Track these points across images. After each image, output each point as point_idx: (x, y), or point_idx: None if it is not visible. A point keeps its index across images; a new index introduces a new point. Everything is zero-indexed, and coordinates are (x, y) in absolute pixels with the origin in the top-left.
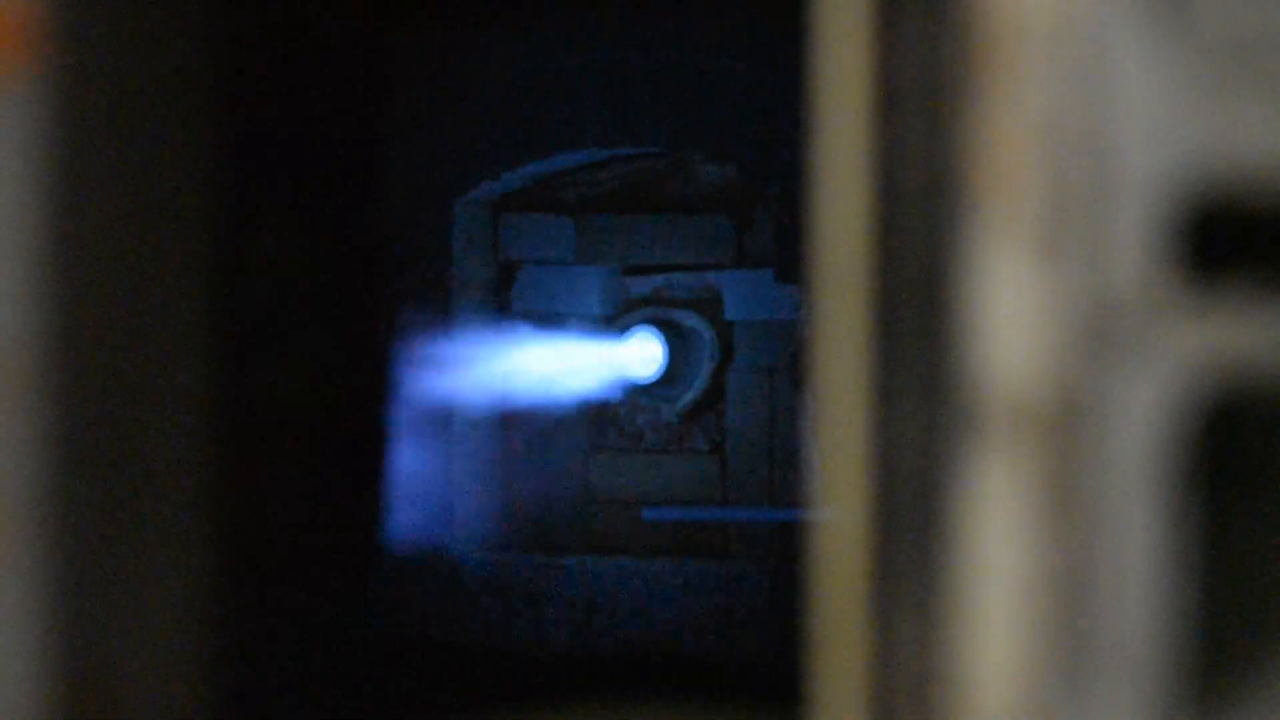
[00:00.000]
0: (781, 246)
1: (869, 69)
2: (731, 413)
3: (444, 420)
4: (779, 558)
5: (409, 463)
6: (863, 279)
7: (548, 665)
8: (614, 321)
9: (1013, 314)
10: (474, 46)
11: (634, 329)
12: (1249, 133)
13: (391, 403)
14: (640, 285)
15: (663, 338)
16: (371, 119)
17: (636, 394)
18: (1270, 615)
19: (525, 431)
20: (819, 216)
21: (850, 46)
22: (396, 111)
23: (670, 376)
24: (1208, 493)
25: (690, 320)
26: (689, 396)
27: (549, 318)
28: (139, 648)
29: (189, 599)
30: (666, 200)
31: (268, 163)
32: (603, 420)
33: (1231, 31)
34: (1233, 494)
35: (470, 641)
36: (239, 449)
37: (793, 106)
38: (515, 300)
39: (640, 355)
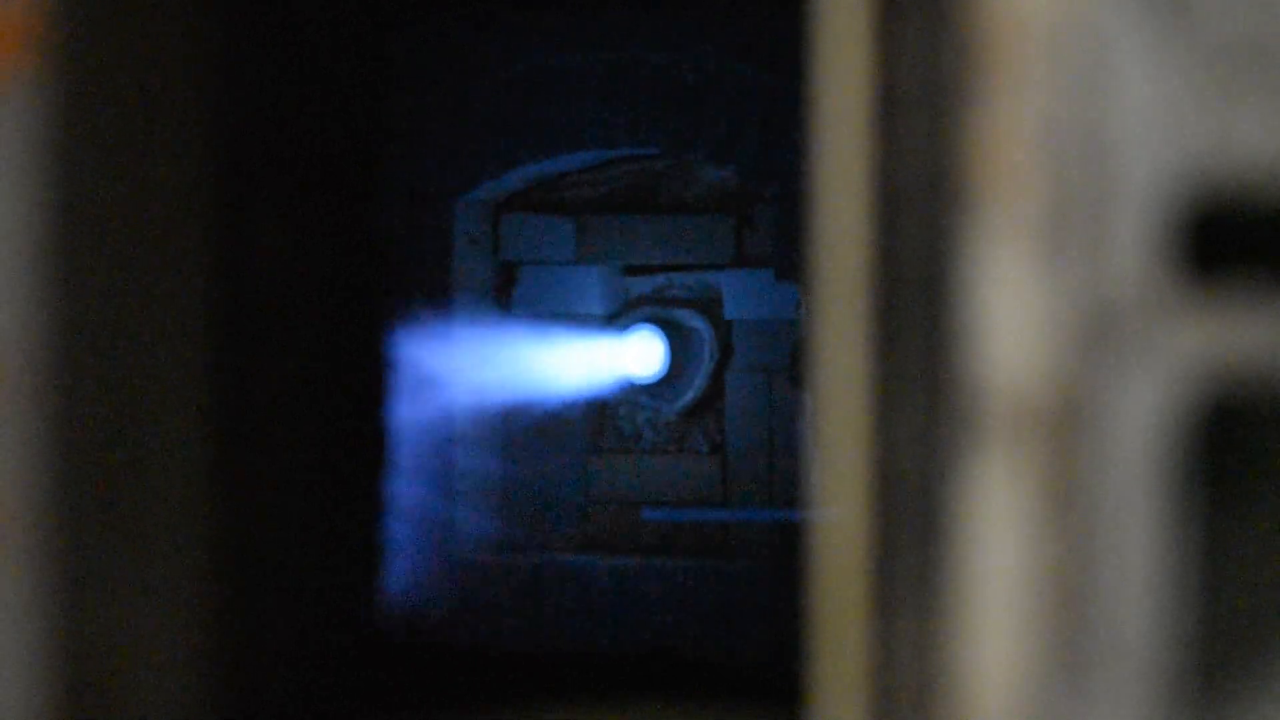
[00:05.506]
0: (781, 246)
1: (869, 69)
2: (731, 413)
3: (444, 420)
4: (779, 558)
5: (409, 463)
6: (863, 279)
7: (548, 665)
8: (614, 321)
9: (1013, 314)
10: (474, 46)
11: (634, 329)
12: (1249, 133)
13: (392, 403)
14: (640, 285)
15: (663, 337)
16: (372, 119)
17: (636, 394)
18: (1270, 614)
19: (525, 431)
20: (819, 216)
21: (850, 47)
22: (397, 111)
23: (670, 376)
24: (1208, 492)
25: (690, 320)
26: (689, 396)
27: (549, 318)
28: (139, 648)
29: (188, 599)
30: (666, 200)
31: (267, 162)
32: (603, 420)
33: (1232, 32)
34: (1233, 494)
35: (470, 642)
36: (238, 449)
37: (793, 106)
38: (516, 300)
39: (640, 355)
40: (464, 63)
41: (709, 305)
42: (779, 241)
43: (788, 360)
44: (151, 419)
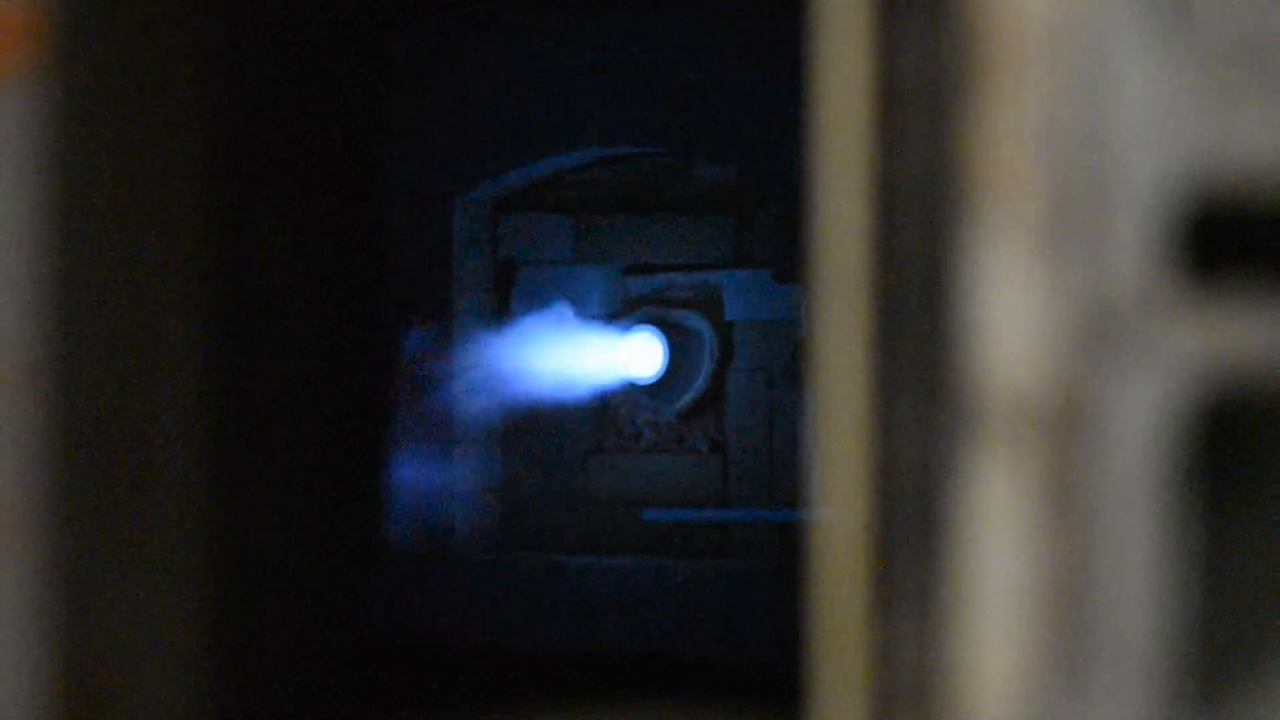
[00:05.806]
0: (781, 246)
1: (869, 69)
2: (731, 413)
3: (444, 420)
4: (779, 558)
5: (409, 462)
6: (863, 279)
7: (548, 665)
8: (614, 321)
9: (1013, 314)
10: (474, 46)
11: (634, 329)
12: (1248, 133)
13: (392, 402)
14: (640, 285)
15: (663, 338)
16: (372, 119)
17: (636, 394)
18: (1269, 614)
19: (525, 431)
20: (819, 216)
21: (850, 46)
22: (397, 111)
23: (670, 376)
24: (1208, 492)
25: (690, 320)
26: (689, 396)
27: (549, 318)
28: (139, 648)
29: (188, 598)
30: (666, 200)
31: (267, 162)
32: (603, 420)
33: (1232, 33)
34: (1233, 493)
35: (470, 641)
36: (238, 449)
37: (793, 106)
38: (515, 300)
39: (640, 355)
40: (464, 63)
41: (709, 306)
42: (779, 241)
43: (788, 360)
44: (151, 419)
